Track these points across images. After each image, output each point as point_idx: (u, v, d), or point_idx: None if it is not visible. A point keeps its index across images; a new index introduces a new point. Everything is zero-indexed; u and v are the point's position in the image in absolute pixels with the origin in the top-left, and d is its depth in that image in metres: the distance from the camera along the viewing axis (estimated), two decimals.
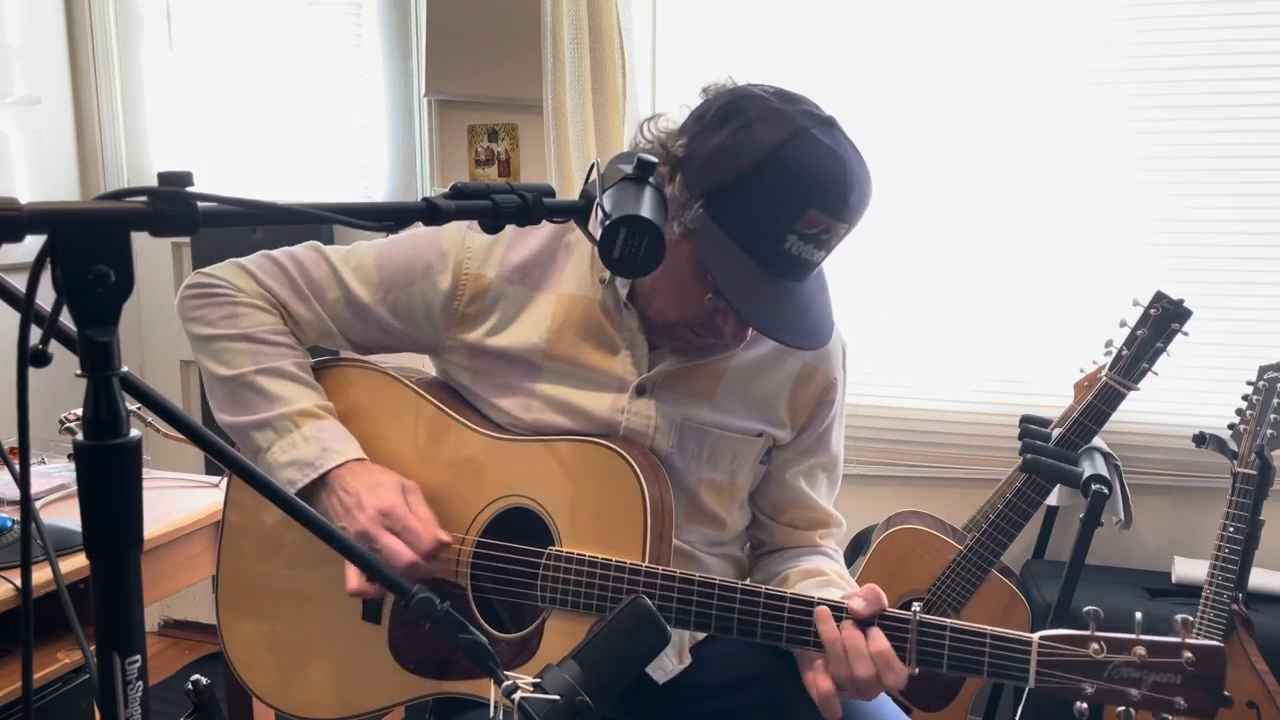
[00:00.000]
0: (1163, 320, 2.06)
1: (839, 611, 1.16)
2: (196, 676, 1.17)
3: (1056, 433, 2.21)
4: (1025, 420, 2.31)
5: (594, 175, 1.04)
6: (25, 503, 0.72)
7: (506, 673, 0.84)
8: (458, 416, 1.33)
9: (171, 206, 0.66)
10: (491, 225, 0.90)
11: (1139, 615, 1.10)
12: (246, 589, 1.40)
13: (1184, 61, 2.46)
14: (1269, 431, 2.05)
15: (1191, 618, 1.08)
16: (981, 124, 2.58)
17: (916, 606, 1.15)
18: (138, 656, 0.69)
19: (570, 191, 2.47)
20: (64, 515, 1.79)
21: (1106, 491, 2.07)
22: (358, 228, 0.80)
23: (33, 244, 0.63)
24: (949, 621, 1.14)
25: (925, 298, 2.66)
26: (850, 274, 2.67)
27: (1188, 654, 1.07)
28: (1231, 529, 2.03)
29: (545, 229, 1.34)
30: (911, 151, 2.61)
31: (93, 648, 0.69)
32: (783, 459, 1.41)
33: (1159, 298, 2.07)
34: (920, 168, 2.61)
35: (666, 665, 1.35)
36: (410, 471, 1.30)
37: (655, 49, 2.77)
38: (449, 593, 1.28)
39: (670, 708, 1.36)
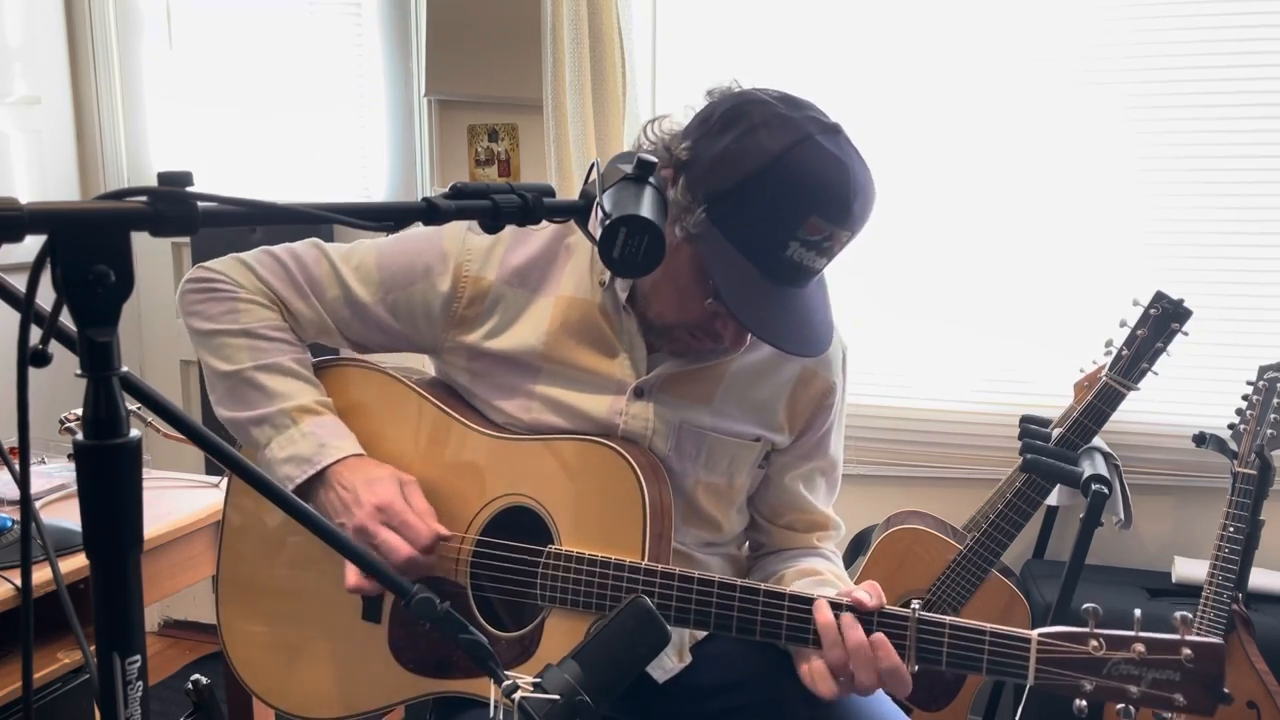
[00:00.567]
0: (1163, 320, 2.06)
1: (838, 608, 1.16)
2: (196, 676, 1.17)
3: (1056, 433, 2.21)
4: (1025, 420, 2.31)
5: (594, 175, 1.04)
6: (25, 503, 0.72)
7: (506, 672, 0.84)
8: (457, 416, 1.33)
9: (171, 206, 0.66)
10: (491, 225, 0.90)
11: (1138, 612, 1.10)
12: (247, 589, 1.40)
13: (1184, 62, 2.46)
14: (1269, 431, 2.05)
15: (1191, 615, 1.08)
16: (982, 124, 2.58)
17: (916, 604, 1.15)
18: (138, 656, 0.69)
19: (570, 191, 2.47)
20: (64, 515, 1.79)
21: (1106, 491, 2.07)
22: (358, 228, 0.80)
23: (33, 244, 0.64)
24: (948, 619, 1.14)
25: (925, 298, 2.66)
26: (851, 274, 2.67)
27: (1187, 651, 1.07)
28: (1231, 529, 2.03)
29: (545, 231, 1.34)
30: (912, 152, 2.61)
31: (93, 648, 0.68)
32: (781, 463, 1.41)
33: (1159, 298, 2.06)
34: (920, 168, 2.61)
35: (667, 664, 1.35)
36: (410, 470, 1.30)
37: (655, 49, 2.77)
38: (449, 592, 1.28)
39: (670, 707, 1.36)
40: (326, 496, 1.26)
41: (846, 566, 1.45)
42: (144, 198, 0.66)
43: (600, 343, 1.32)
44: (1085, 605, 1.11)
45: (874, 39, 2.61)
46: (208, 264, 1.35)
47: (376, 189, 3.04)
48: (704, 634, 1.39)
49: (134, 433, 0.67)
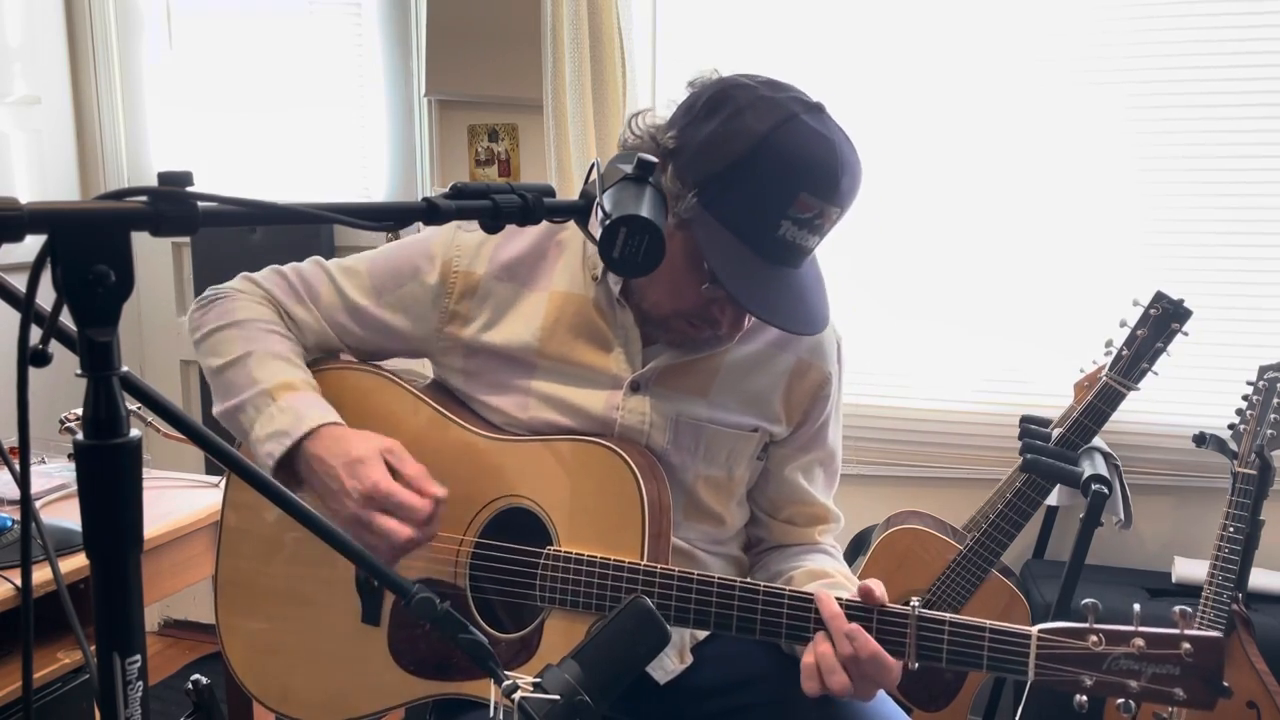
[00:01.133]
0: (1163, 320, 2.06)
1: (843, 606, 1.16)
2: (196, 676, 1.17)
3: (1056, 433, 2.21)
4: (1025, 420, 2.31)
5: (594, 175, 1.04)
6: (25, 503, 0.72)
7: (506, 672, 0.84)
8: (454, 418, 1.33)
9: (171, 206, 0.66)
10: (491, 225, 0.90)
11: (1137, 607, 1.10)
12: (245, 592, 1.39)
13: (1184, 62, 2.46)
14: (1269, 431, 2.05)
15: (1190, 609, 1.09)
16: (982, 124, 2.57)
17: (915, 601, 1.15)
18: (138, 656, 0.69)
19: (570, 191, 2.46)
20: (64, 515, 1.79)
21: (1106, 491, 2.07)
22: (358, 227, 0.80)
23: (33, 244, 0.63)
24: (948, 616, 1.14)
25: (925, 298, 2.66)
26: (851, 274, 2.67)
27: (1186, 645, 1.08)
28: (1231, 529, 2.03)
29: (536, 227, 1.35)
30: (912, 151, 2.61)
31: (93, 648, 0.68)
32: (780, 455, 1.41)
33: (1159, 298, 2.06)
34: (921, 167, 2.61)
35: (667, 665, 1.35)
36: None
37: (655, 49, 2.77)
38: (448, 593, 1.28)
39: (671, 708, 1.35)
40: (309, 472, 1.22)
41: (846, 566, 1.45)
42: (144, 198, 0.66)
43: (595, 337, 1.32)
44: (1085, 601, 1.11)
45: (874, 39, 2.61)
46: (214, 285, 1.40)
47: (376, 189, 3.04)
48: (705, 635, 1.39)
49: (134, 433, 0.67)
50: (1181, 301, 2.05)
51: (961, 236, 2.62)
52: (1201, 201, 2.49)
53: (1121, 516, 2.30)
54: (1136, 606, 1.10)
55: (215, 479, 2.09)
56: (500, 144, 2.86)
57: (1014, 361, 2.64)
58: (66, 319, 0.66)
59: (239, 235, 2.91)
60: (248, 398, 1.27)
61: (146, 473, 2.06)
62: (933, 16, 2.58)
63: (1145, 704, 1.09)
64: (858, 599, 1.16)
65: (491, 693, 0.84)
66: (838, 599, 1.16)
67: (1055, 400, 2.46)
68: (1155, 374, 2.09)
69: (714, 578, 1.20)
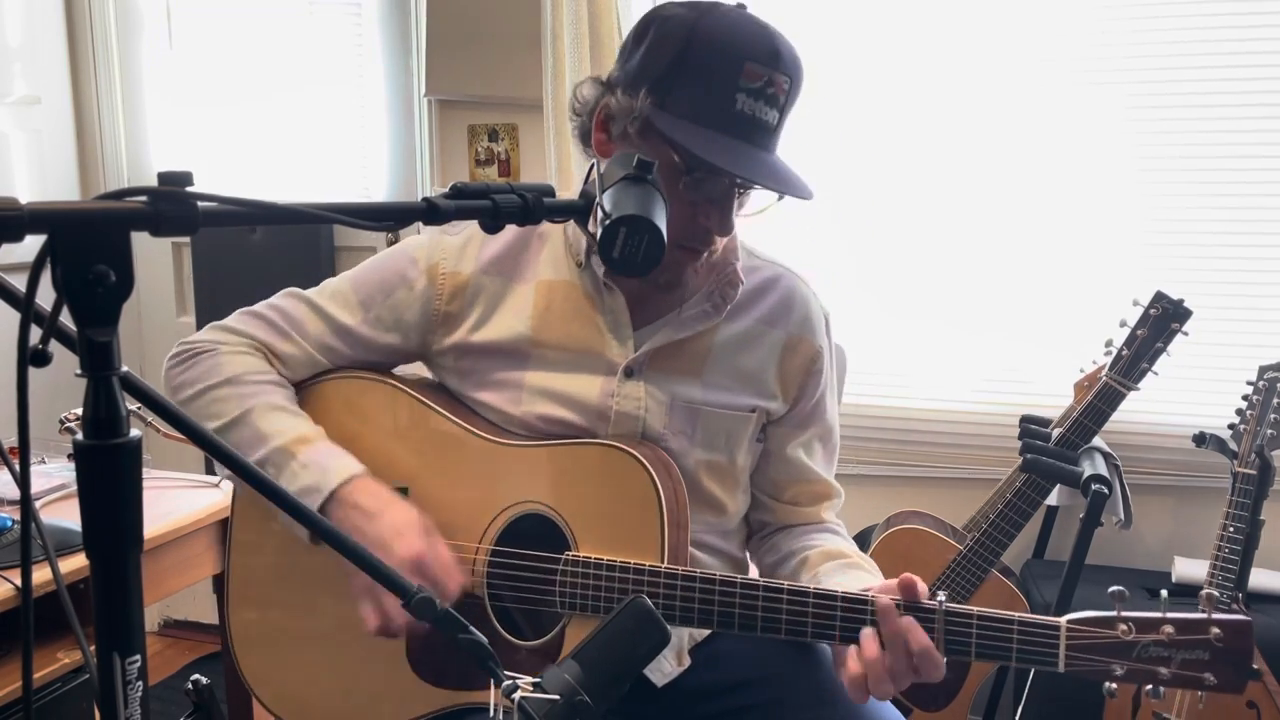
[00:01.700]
0: (1163, 320, 2.06)
1: (868, 605, 1.14)
2: (196, 676, 1.17)
3: (1056, 433, 2.21)
4: (1025, 420, 2.31)
5: (594, 175, 1.04)
6: (25, 503, 0.72)
7: (506, 672, 0.84)
8: (464, 424, 1.32)
9: (171, 206, 0.66)
10: (491, 225, 0.90)
11: (1164, 593, 1.09)
12: (259, 608, 1.37)
13: (1184, 62, 2.46)
14: (1269, 431, 2.05)
15: (1217, 593, 1.08)
16: (982, 124, 2.57)
17: (942, 596, 1.13)
18: (138, 656, 0.69)
19: (570, 191, 2.46)
20: (64, 515, 1.78)
21: (1106, 491, 2.07)
22: (358, 227, 0.80)
23: (33, 244, 0.64)
24: (975, 610, 1.12)
25: (925, 297, 2.66)
26: (851, 274, 2.67)
27: (1215, 630, 1.07)
28: (1231, 529, 2.03)
29: None
30: (912, 151, 2.61)
31: (93, 648, 0.68)
32: (780, 434, 1.41)
33: (1159, 298, 2.06)
34: (921, 167, 2.61)
35: (665, 667, 1.34)
36: (420, 482, 1.30)
37: None
38: (466, 603, 1.26)
39: (670, 710, 1.35)
40: (344, 523, 1.22)
41: None
42: (144, 198, 0.66)
43: (586, 323, 1.33)
44: (1112, 588, 1.10)
45: (875, 40, 2.61)
46: (186, 338, 1.35)
47: (376, 189, 3.04)
48: (703, 637, 1.39)
49: (134, 433, 0.67)
50: (1181, 301, 2.05)
51: (961, 236, 2.62)
52: (1201, 201, 2.49)
53: (1121, 516, 2.30)
54: (1164, 593, 1.10)
55: (215, 479, 2.09)
56: (500, 144, 2.86)
57: (1014, 361, 2.64)
58: (66, 319, 0.66)
59: (239, 235, 2.91)
60: (264, 456, 1.25)
61: (146, 473, 2.06)
62: (932, 17, 2.58)
63: (1174, 689, 1.09)
64: (895, 592, 1.15)
65: (491, 693, 0.84)
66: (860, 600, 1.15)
67: (1055, 400, 2.46)
68: (1155, 374, 2.09)
69: (736, 578, 1.19)
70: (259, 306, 1.37)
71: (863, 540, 2.52)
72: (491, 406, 1.33)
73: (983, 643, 1.12)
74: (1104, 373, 2.12)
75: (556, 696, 0.84)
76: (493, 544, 1.28)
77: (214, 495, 2.00)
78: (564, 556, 1.24)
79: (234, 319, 1.37)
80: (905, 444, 2.71)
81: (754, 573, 1.47)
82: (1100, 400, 2.11)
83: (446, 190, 0.88)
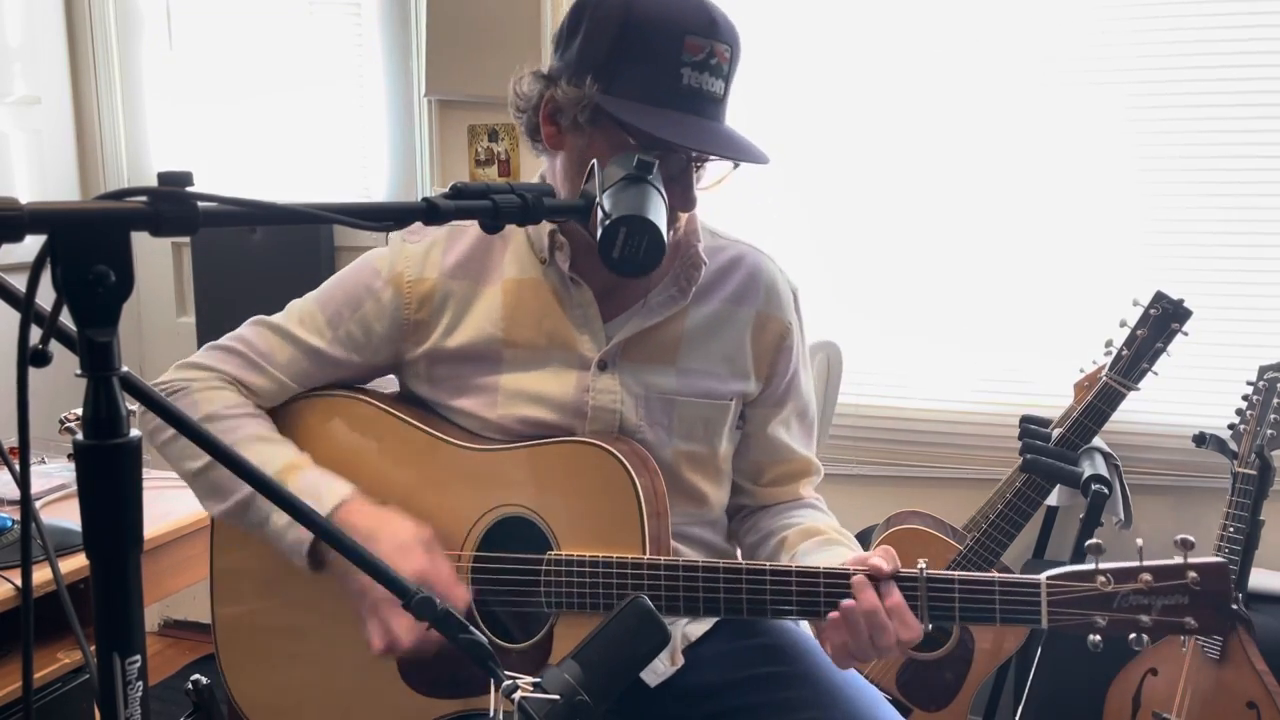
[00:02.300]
0: (1163, 320, 2.06)
1: (849, 578, 1.15)
2: (196, 676, 1.17)
3: (1056, 433, 2.21)
4: (1025, 420, 2.31)
5: (594, 175, 1.04)
6: (25, 503, 0.72)
7: (507, 673, 0.84)
8: (437, 433, 1.32)
9: (172, 206, 0.67)
10: (491, 225, 0.90)
11: (1140, 542, 1.12)
12: (248, 631, 1.37)
13: (1184, 61, 2.45)
14: (1269, 431, 2.05)
15: (1191, 538, 1.10)
16: (982, 123, 2.57)
17: (923, 563, 1.15)
18: (138, 656, 0.69)
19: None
20: (64, 515, 1.79)
21: (1106, 491, 2.07)
22: (358, 227, 0.80)
23: (33, 244, 0.64)
24: (956, 574, 1.14)
25: (926, 298, 2.66)
26: (852, 273, 2.67)
27: (1192, 574, 1.09)
28: (1231, 529, 2.03)
29: (477, 225, 1.35)
30: (912, 151, 2.60)
31: (93, 648, 0.68)
32: (758, 416, 1.41)
33: (1159, 298, 2.06)
34: (921, 167, 2.61)
35: (659, 668, 1.34)
36: (397, 495, 1.29)
37: None
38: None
39: (664, 711, 1.34)
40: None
41: None
42: (144, 198, 0.66)
43: (556, 319, 1.32)
44: (1088, 541, 1.13)
45: (875, 41, 2.61)
46: (156, 381, 1.33)
47: (376, 189, 3.04)
48: (697, 637, 1.38)
49: (134, 433, 0.67)
50: (1181, 301, 2.05)
51: (961, 236, 2.62)
52: (1201, 201, 2.49)
53: (1121, 516, 2.30)
54: (1139, 541, 1.12)
55: None
56: (500, 144, 2.86)
57: (1014, 361, 2.63)
58: (66, 319, 0.66)
59: (239, 235, 2.91)
60: (252, 491, 1.23)
61: (146, 473, 2.05)
62: (931, 17, 2.58)
63: (1158, 636, 1.11)
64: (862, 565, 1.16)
65: (491, 693, 0.84)
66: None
67: (1055, 400, 2.46)
68: (1155, 374, 2.09)
69: (719, 563, 1.20)
70: (225, 340, 1.35)
71: (863, 540, 2.52)
72: (468, 413, 1.33)
73: (966, 605, 1.14)
74: (1104, 373, 2.12)
75: (556, 696, 0.84)
76: (475, 550, 1.28)
77: None
78: (546, 556, 1.24)
79: (202, 355, 1.35)
80: (905, 444, 2.71)
81: (738, 556, 1.47)
82: (1100, 400, 2.11)
83: (446, 190, 0.88)
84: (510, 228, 1.31)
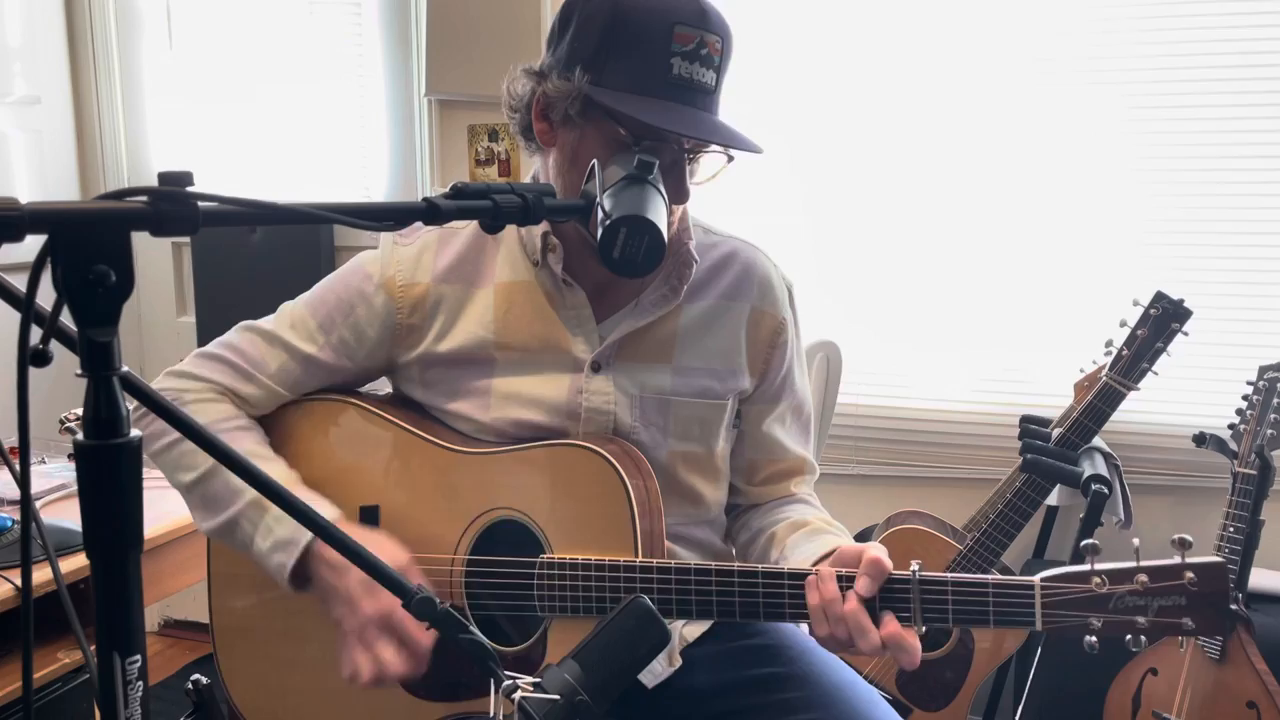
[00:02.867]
0: (1163, 320, 2.05)
1: (843, 582, 1.14)
2: (196, 676, 1.17)
3: (1056, 433, 2.21)
4: (1025, 420, 2.31)
5: (594, 175, 1.04)
6: (25, 503, 0.72)
7: (507, 673, 0.84)
8: (428, 436, 1.31)
9: (172, 206, 0.67)
10: (492, 225, 0.90)
11: (1136, 542, 1.09)
12: (246, 635, 1.37)
13: (1184, 62, 2.45)
14: (1269, 431, 2.05)
15: (1189, 537, 1.08)
16: (982, 124, 2.57)
17: (915, 565, 1.13)
18: (138, 656, 0.69)
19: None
20: (64, 515, 1.79)
21: (1106, 491, 2.07)
22: (358, 227, 0.80)
23: (33, 244, 0.64)
24: (950, 576, 1.13)
25: (926, 298, 2.66)
26: (852, 273, 2.67)
27: (1189, 574, 1.07)
28: (1231, 529, 2.03)
29: (469, 227, 1.34)
30: (912, 151, 2.60)
31: (93, 648, 0.68)
32: (754, 412, 1.41)
33: (1159, 298, 2.06)
34: (921, 167, 2.61)
35: (656, 669, 1.33)
36: (390, 499, 1.29)
37: None
38: None
39: (661, 712, 1.34)
40: (318, 577, 1.22)
41: None
42: (144, 198, 0.66)
43: (548, 321, 1.32)
44: (1085, 542, 1.10)
45: (875, 41, 2.61)
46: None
47: (376, 189, 3.04)
48: (694, 638, 1.38)
49: (134, 433, 0.67)
50: (1181, 301, 2.05)
51: (961, 236, 2.62)
52: (1201, 201, 2.49)
53: (1121, 516, 2.30)
54: (1136, 541, 1.10)
55: None
56: (500, 144, 2.86)
57: (1014, 361, 2.64)
58: (66, 319, 0.66)
59: (239, 235, 2.91)
60: (238, 511, 1.24)
61: (146, 473, 2.05)
62: (931, 18, 2.58)
63: (1155, 638, 1.09)
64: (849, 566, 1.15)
65: (491, 693, 0.84)
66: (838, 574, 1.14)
67: (1055, 400, 2.46)
68: (1155, 374, 2.08)
69: (711, 565, 1.20)
70: (215, 347, 1.34)
71: (863, 540, 2.52)
72: (462, 415, 1.32)
73: (960, 608, 1.12)
74: (1104, 373, 2.12)
75: (557, 696, 0.84)
76: (468, 554, 1.27)
77: None
78: (539, 560, 1.23)
79: (191, 363, 1.33)
80: (905, 444, 2.71)
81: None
82: (1100, 400, 2.11)
83: (447, 190, 0.88)
84: (504, 231, 1.33)
